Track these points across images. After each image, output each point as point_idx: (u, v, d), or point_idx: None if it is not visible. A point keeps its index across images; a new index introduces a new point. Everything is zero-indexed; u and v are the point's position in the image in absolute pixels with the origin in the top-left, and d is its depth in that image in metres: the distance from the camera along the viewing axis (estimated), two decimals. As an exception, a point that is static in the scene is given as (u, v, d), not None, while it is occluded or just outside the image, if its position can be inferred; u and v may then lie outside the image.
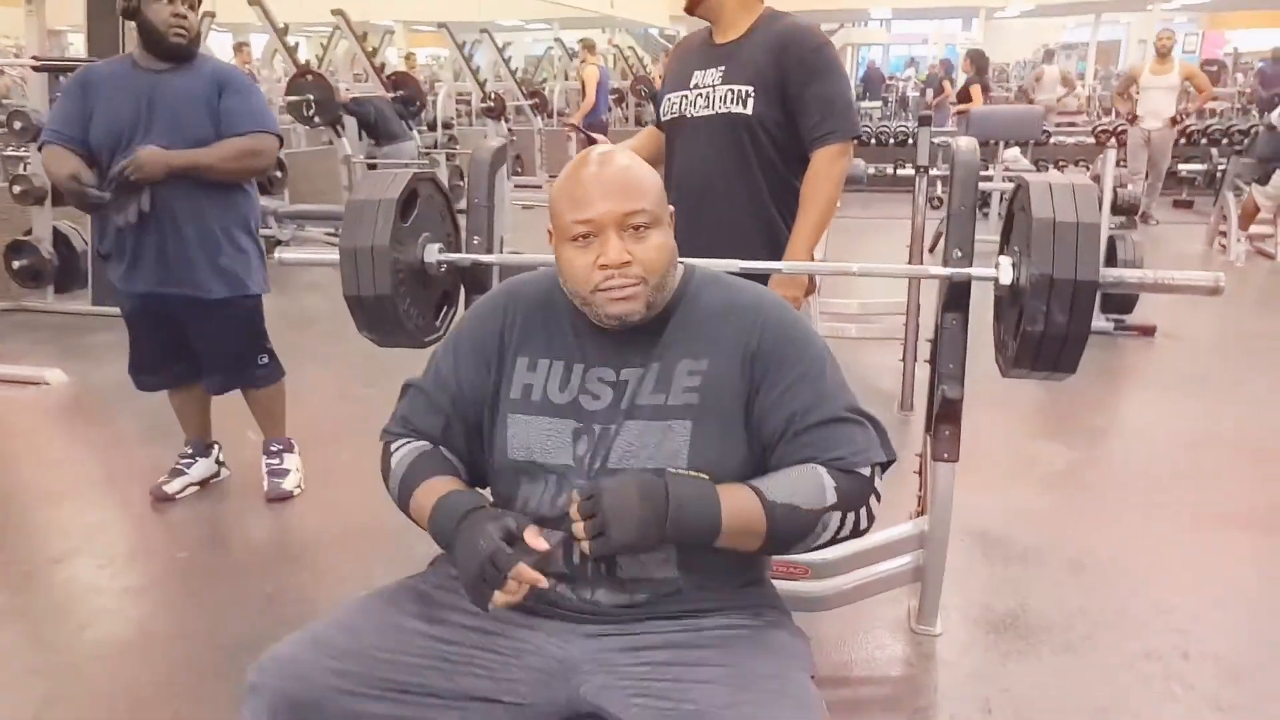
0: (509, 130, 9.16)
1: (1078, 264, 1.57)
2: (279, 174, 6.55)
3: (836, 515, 1.11)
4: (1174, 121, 7.31)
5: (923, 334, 3.24)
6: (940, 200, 6.94)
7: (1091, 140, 8.67)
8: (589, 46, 9.75)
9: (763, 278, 1.82)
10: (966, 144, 1.84)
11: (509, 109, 9.58)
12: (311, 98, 6.44)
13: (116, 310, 2.77)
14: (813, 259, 2.00)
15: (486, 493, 1.27)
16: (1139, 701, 1.86)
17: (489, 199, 2.02)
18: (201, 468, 2.87)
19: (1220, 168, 6.59)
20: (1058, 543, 2.52)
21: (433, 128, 9.23)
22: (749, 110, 1.97)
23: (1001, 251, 1.82)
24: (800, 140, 1.98)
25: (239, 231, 2.61)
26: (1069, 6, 21.26)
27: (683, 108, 2.07)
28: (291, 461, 2.88)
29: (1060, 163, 7.99)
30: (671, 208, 1.19)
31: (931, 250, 4.90)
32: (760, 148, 1.99)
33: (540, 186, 8.85)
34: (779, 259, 1.95)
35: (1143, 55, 14.98)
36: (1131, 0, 18.83)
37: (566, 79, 12.00)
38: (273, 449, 2.88)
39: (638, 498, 1.03)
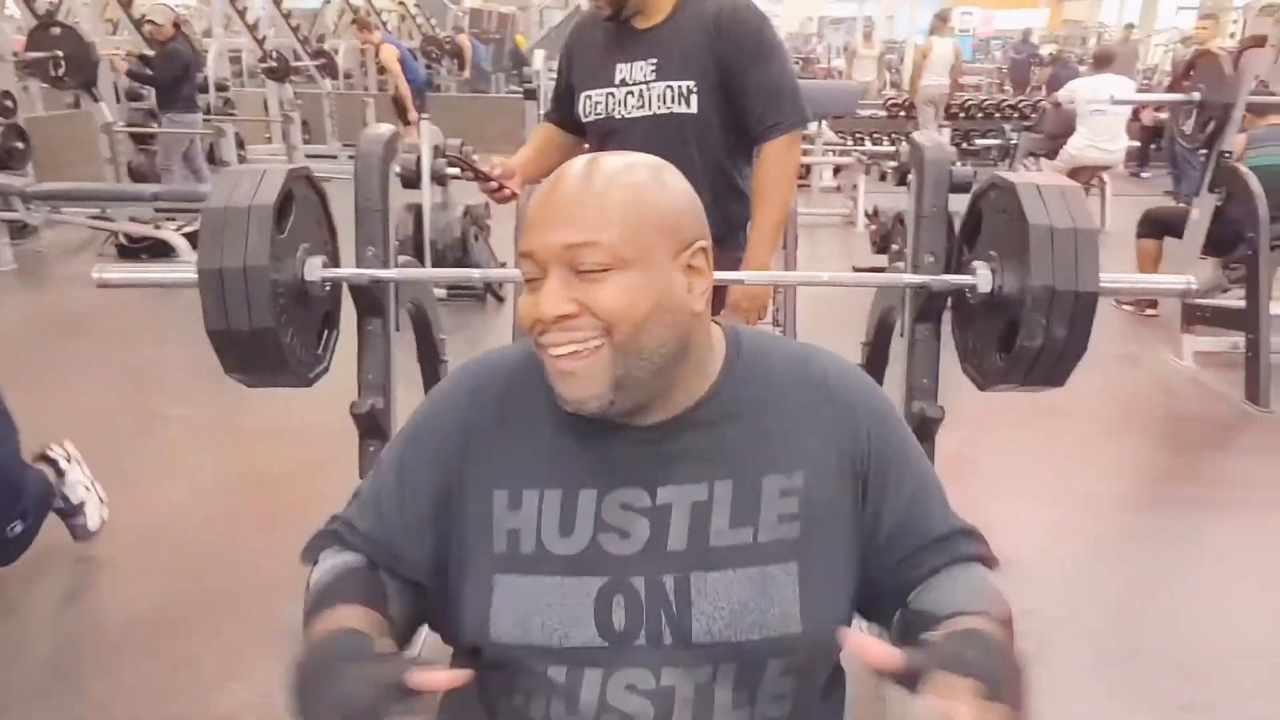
0: (294, 95, 8.30)
1: (1078, 273, 1.46)
2: (19, 144, 5.51)
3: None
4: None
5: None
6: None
7: (884, 113, 9.10)
8: (363, 25, 8.94)
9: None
10: (935, 141, 1.69)
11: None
12: (60, 54, 5.46)
13: None
14: (770, 266, 1.80)
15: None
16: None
17: (383, 201, 1.66)
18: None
19: (1013, 141, 7.13)
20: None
21: (203, 90, 8.22)
22: (693, 109, 1.73)
23: (963, 254, 1.69)
24: (746, 133, 1.77)
25: None
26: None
27: (610, 108, 1.79)
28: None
29: (874, 134, 8.28)
30: (703, 243, 0.83)
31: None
32: (706, 148, 1.76)
33: (336, 156, 8.10)
34: (734, 264, 1.74)
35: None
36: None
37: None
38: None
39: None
